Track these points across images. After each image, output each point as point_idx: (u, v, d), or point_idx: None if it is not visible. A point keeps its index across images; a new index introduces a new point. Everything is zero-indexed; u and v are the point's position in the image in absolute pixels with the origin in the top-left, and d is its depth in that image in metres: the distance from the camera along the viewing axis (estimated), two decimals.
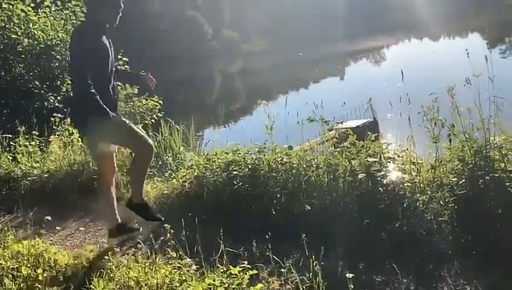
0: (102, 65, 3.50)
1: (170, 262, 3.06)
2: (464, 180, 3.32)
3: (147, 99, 9.87)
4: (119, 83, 5.65)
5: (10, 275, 3.11)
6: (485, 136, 3.41)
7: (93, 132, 3.52)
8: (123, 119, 3.64)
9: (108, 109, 3.33)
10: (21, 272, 3.10)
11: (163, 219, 3.73)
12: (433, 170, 3.63)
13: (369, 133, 4.16)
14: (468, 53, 3.78)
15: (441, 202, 3.34)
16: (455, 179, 3.41)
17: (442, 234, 3.17)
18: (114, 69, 3.69)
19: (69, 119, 5.92)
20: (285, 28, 69.72)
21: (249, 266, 2.77)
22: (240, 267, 2.74)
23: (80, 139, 5.75)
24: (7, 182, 5.74)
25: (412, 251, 3.07)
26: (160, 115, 8.63)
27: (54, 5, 8.97)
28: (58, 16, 8.97)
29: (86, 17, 3.93)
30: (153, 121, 8.77)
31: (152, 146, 3.66)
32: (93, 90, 3.28)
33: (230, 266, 2.78)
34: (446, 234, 3.17)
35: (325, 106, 4.57)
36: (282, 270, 2.93)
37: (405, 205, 3.39)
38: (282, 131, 4.75)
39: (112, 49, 3.63)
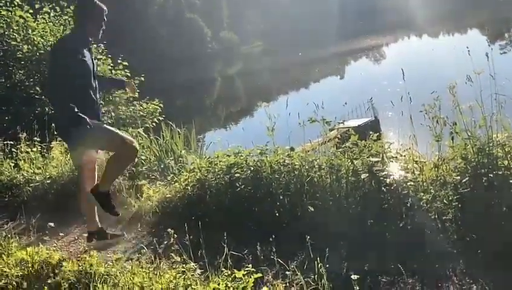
0: (84, 76, 3.66)
1: (174, 267, 3.06)
2: (467, 178, 3.30)
3: (147, 103, 9.89)
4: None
5: (14, 283, 3.11)
6: (488, 133, 3.39)
7: (78, 142, 3.67)
8: (104, 126, 3.80)
9: (87, 117, 3.46)
10: (25, 279, 3.10)
11: (120, 214, 4.00)
12: (436, 169, 3.61)
13: (371, 132, 4.15)
14: (469, 50, 3.77)
15: (445, 201, 3.32)
16: (458, 177, 3.39)
17: (446, 233, 3.16)
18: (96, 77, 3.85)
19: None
20: (283, 28, 69.85)
21: (253, 269, 2.76)
22: (245, 271, 2.73)
23: None
24: (10, 188, 5.73)
25: (417, 251, 3.05)
26: (161, 118, 8.63)
27: (52, 10, 8.99)
28: (57, 21, 8.99)
29: (73, 29, 4.07)
30: (154, 124, 8.78)
31: (136, 148, 3.76)
32: (70, 103, 3.42)
33: (234, 270, 2.77)
34: (451, 233, 3.15)
35: (326, 105, 4.56)
36: (287, 272, 2.93)
37: (408, 205, 3.38)
38: (284, 132, 4.74)
39: (92, 57, 3.83)
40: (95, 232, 4.03)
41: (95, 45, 8.96)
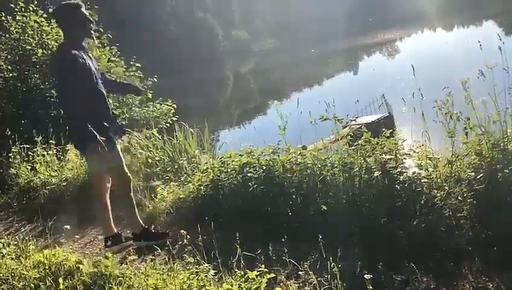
0: (90, 81, 3.66)
1: (188, 268, 3.07)
2: (482, 174, 3.26)
3: (161, 104, 9.95)
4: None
5: (32, 285, 3.16)
6: (502, 128, 3.34)
7: (90, 157, 3.77)
8: (117, 148, 3.83)
9: (106, 128, 3.63)
10: (43, 282, 3.15)
11: (169, 233, 3.96)
12: (450, 165, 3.55)
13: (384, 129, 4.11)
14: (480, 45, 3.71)
15: (459, 198, 3.28)
16: (473, 173, 3.34)
17: (461, 230, 3.12)
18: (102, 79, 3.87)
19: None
20: (295, 25, 69.60)
21: (266, 269, 2.76)
22: (258, 271, 2.73)
23: None
24: (27, 191, 5.84)
25: (431, 249, 3.02)
26: (174, 118, 8.66)
27: None
28: None
29: (64, 37, 4.02)
30: (167, 125, 8.82)
31: (130, 178, 3.93)
32: (87, 114, 3.52)
33: (247, 270, 2.77)
34: (465, 230, 3.11)
35: (339, 101, 4.54)
36: (300, 272, 2.93)
37: (422, 202, 3.35)
38: (296, 130, 4.72)
39: (93, 61, 3.80)
40: (111, 237, 4.01)
41: (107, 48, 9.06)
